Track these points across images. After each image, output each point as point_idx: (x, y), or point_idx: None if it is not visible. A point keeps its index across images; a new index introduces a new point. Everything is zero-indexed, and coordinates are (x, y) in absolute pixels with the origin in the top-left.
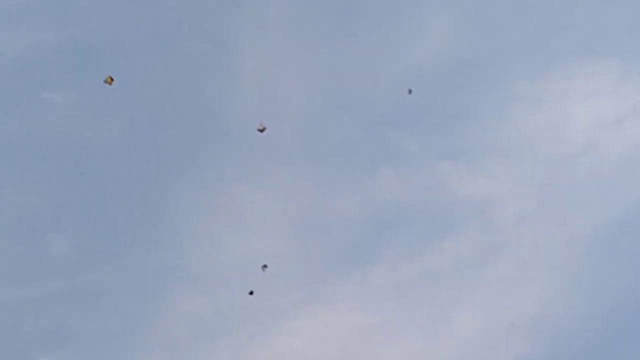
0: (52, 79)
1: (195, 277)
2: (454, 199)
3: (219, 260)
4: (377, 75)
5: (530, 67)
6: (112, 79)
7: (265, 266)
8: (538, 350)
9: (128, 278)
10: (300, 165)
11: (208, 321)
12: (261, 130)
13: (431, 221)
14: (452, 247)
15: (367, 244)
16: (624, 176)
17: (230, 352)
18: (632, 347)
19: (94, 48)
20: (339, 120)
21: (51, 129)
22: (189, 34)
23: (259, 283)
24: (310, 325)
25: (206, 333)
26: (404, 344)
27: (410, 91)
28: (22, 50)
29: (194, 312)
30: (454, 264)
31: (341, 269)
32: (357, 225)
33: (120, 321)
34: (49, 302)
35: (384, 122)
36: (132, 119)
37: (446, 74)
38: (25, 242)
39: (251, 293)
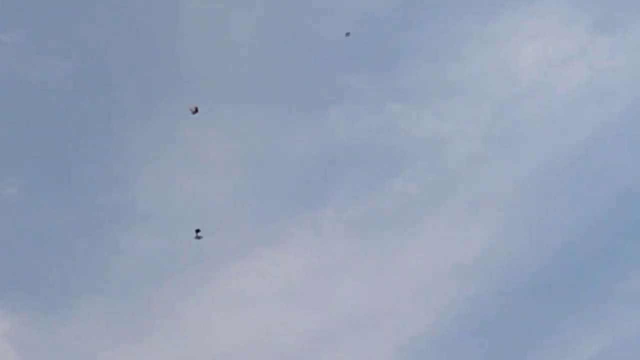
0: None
1: (144, 216)
2: (402, 140)
3: (167, 199)
4: (326, 15)
5: (478, 6)
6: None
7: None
8: (486, 291)
9: (77, 218)
10: (250, 105)
11: (157, 262)
12: (193, 112)
13: (380, 162)
14: (400, 188)
15: (316, 184)
16: (571, 116)
17: (180, 293)
18: (576, 286)
19: None
20: (288, 60)
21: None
22: None
23: (209, 224)
24: (260, 266)
25: (156, 274)
26: (354, 285)
27: (348, 34)
28: None
29: (143, 252)
30: (402, 204)
31: (291, 210)
32: (307, 166)
33: (70, 262)
34: None
35: (333, 62)
36: (80, 59)
37: (395, 12)
38: None
39: (198, 237)
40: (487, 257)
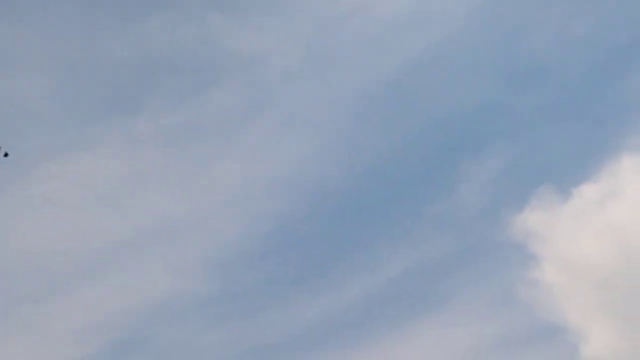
0: None
1: None
2: (222, 52)
3: None
4: None
5: None
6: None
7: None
8: (297, 207)
9: None
10: (69, 3)
11: None
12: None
13: (198, 72)
14: (217, 100)
15: (132, 90)
16: (393, 39)
17: None
18: (386, 208)
19: None
20: None
21: None
22: None
23: (17, 123)
24: (70, 170)
25: None
26: (165, 194)
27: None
28: None
29: None
30: (218, 117)
31: (104, 115)
32: (124, 72)
33: None
34: None
35: None
36: None
37: None
38: None
39: (6, 155)
40: (300, 174)
